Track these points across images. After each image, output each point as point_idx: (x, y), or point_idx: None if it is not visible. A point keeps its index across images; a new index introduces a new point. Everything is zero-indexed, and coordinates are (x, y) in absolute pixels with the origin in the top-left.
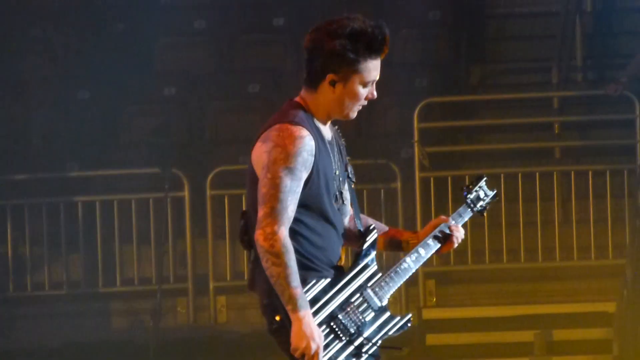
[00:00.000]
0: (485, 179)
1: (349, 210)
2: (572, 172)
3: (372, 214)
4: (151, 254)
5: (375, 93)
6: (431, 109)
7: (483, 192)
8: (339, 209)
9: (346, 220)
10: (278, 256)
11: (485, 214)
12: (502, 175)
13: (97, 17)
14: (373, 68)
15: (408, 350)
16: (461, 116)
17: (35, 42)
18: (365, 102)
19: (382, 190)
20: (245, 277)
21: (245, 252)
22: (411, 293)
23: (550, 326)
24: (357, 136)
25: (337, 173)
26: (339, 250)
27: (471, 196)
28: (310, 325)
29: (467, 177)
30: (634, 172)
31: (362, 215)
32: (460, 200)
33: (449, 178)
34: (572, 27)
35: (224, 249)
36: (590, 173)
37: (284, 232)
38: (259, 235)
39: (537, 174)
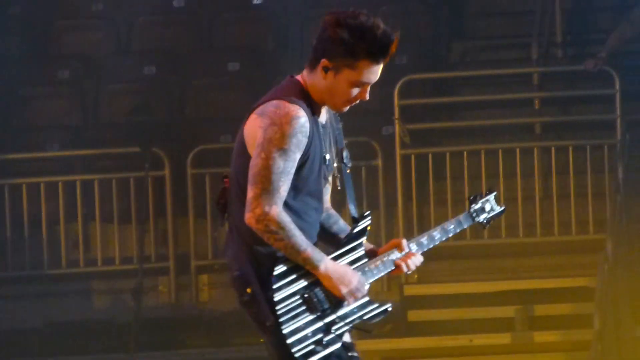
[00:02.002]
0: (495, 193)
1: (328, 192)
2: (553, 148)
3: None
4: (132, 233)
5: (367, 96)
6: (411, 86)
7: (490, 206)
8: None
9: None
10: (277, 232)
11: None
12: (482, 152)
13: None
14: (368, 70)
15: (390, 327)
16: (441, 93)
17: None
18: (356, 102)
19: (363, 168)
20: None
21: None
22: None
23: (531, 301)
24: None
25: (327, 157)
26: (317, 232)
27: (476, 206)
28: (336, 272)
29: (447, 154)
30: (615, 147)
31: (332, 212)
32: (439, 179)
33: (430, 155)
34: (551, 2)
35: (205, 228)
36: (570, 148)
37: (276, 209)
38: (250, 219)
39: (518, 149)
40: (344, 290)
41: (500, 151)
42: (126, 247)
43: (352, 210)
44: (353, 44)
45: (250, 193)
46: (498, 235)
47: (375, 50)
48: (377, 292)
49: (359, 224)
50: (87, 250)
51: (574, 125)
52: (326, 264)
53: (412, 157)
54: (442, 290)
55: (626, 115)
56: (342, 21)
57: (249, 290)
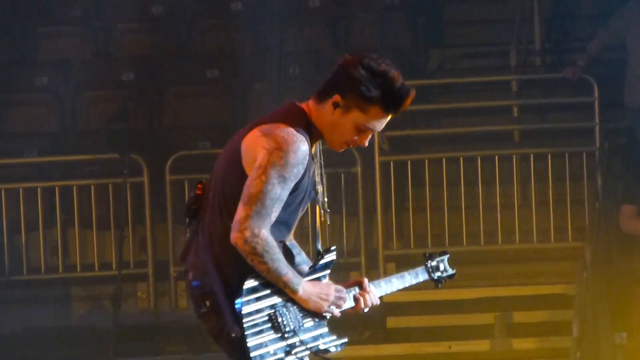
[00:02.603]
0: (448, 256)
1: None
2: (532, 155)
3: (333, 199)
4: (111, 239)
5: (366, 143)
6: None
7: (443, 266)
8: None
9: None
10: (262, 256)
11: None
12: (461, 159)
13: (48, 2)
14: (376, 118)
15: (369, 333)
16: (420, 100)
17: None
18: (353, 145)
19: (342, 175)
20: None
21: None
22: (371, 276)
23: (510, 309)
24: None
25: (314, 190)
26: None
27: (432, 263)
28: (313, 293)
29: (426, 161)
30: (593, 154)
31: (294, 242)
32: (418, 186)
33: (409, 162)
34: (530, 10)
35: (184, 234)
36: (549, 156)
37: (264, 233)
38: (237, 239)
39: (497, 157)
40: (324, 306)
41: (479, 158)
42: (105, 253)
43: (318, 245)
44: (371, 88)
45: (242, 213)
46: (477, 242)
47: (390, 100)
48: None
49: (325, 257)
50: (66, 256)
51: (553, 132)
52: (303, 287)
53: (391, 164)
54: (421, 297)
55: (605, 123)
56: (365, 63)
57: (207, 302)
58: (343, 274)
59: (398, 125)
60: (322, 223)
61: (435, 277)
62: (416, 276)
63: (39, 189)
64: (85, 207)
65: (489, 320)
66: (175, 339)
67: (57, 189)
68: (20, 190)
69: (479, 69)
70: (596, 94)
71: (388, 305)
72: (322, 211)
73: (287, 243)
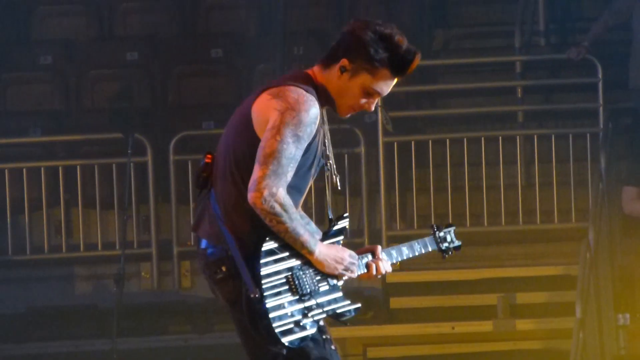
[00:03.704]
0: (454, 227)
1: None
2: (535, 136)
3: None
4: (114, 219)
5: (372, 107)
6: None
7: (450, 237)
8: None
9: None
10: (281, 215)
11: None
12: (465, 140)
13: None
14: (384, 80)
15: (372, 314)
16: (424, 81)
17: None
18: (358, 110)
19: (345, 155)
20: None
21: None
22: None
23: (513, 289)
24: None
25: (318, 154)
26: None
27: (440, 234)
28: (329, 255)
29: (430, 142)
30: (597, 135)
31: (302, 212)
32: (422, 167)
33: (413, 143)
34: None
35: (188, 214)
36: (553, 137)
37: (282, 192)
38: (255, 199)
39: (500, 137)
40: (339, 268)
41: (482, 139)
42: (108, 233)
43: (329, 210)
44: (379, 50)
45: (259, 172)
46: (480, 223)
47: (398, 62)
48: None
49: (339, 223)
50: (69, 236)
51: (557, 113)
52: (320, 249)
53: (395, 144)
54: (424, 277)
55: (609, 103)
56: (372, 27)
57: (224, 268)
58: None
59: (402, 106)
60: (334, 188)
61: (443, 248)
62: (425, 246)
63: (42, 169)
64: (89, 187)
65: (492, 301)
66: (179, 318)
67: (60, 168)
68: (24, 169)
69: (483, 50)
70: (600, 74)
71: (391, 286)
72: (333, 176)
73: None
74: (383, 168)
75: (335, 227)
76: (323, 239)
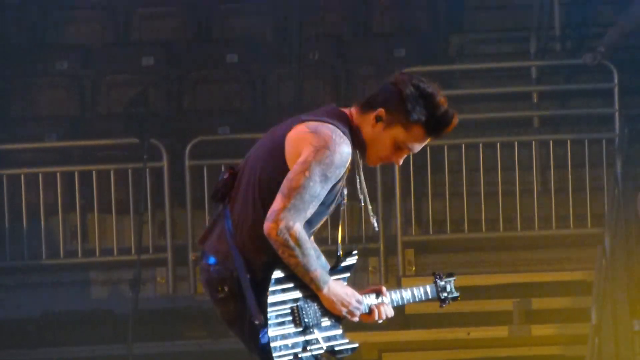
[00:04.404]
0: (454, 278)
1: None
2: (551, 142)
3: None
4: (130, 224)
5: (400, 161)
6: None
7: (449, 287)
8: None
9: None
10: (294, 249)
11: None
12: (480, 145)
13: None
14: (416, 137)
15: (387, 320)
16: (440, 86)
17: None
18: (386, 162)
19: (360, 161)
20: None
21: None
22: (390, 262)
23: (529, 295)
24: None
25: (339, 194)
26: None
27: (441, 283)
28: (338, 294)
29: (445, 147)
30: (613, 141)
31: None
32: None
33: (428, 148)
34: None
35: (203, 219)
36: (569, 142)
37: (298, 227)
38: (271, 229)
39: (516, 143)
40: (344, 310)
41: (498, 144)
42: (124, 238)
43: (338, 248)
44: (416, 107)
45: (280, 204)
46: (496, 228)
47: (434, 123)
48: (375, 284)
49: (347, 260)
50: (85, 241)
51: (573, 119)
52: (329, 285)
53: None
54: None
55: (625, 109)
56: (414, 82)
57: (226, 288)
58: (362, 259)
59: None
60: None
61: (442, 297)
62: (426, 293)
63: (58, 174)
64: (105, 192)
65: (508, 306)
66: (194, 324)
67: (76, 173)
68: (40, 174)
69: (499, 55)
70: (616, 80)
71: None
72: (370, 217)
73: None
74: (399, 173)
75: (343, 264)
76: (330, 274)
